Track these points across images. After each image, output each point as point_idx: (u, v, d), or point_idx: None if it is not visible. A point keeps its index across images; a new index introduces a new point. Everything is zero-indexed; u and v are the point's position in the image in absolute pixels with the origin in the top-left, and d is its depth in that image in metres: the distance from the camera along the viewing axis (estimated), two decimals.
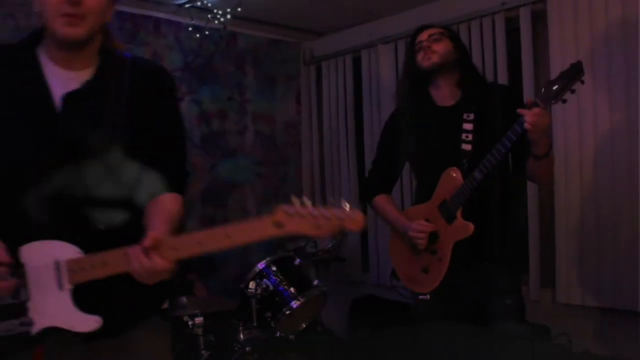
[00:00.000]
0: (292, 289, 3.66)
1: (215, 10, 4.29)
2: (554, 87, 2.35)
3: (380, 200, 3.04)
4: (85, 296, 1.69)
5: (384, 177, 3.09)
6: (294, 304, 3.60)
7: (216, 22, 4.32)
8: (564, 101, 2.38)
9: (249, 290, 3.58)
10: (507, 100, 2.66)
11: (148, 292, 1.74)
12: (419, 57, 2.80)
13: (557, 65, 3.84)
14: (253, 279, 3.65)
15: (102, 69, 1.80)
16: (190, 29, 4.47)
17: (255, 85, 5.24)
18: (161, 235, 1.63)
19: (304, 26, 5.33)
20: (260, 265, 3.72)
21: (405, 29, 4.72)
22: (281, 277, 3.70)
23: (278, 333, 3.63)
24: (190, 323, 3.32)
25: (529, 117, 2.36)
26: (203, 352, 3.40)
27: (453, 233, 2.69)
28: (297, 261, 3.87)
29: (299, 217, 1.53)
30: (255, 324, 3.58)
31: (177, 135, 1.96)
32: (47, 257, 1.69)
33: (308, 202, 1.55)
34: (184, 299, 3.54)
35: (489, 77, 3.94)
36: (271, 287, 3.65)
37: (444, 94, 2.84)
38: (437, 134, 2.81)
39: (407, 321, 4.46)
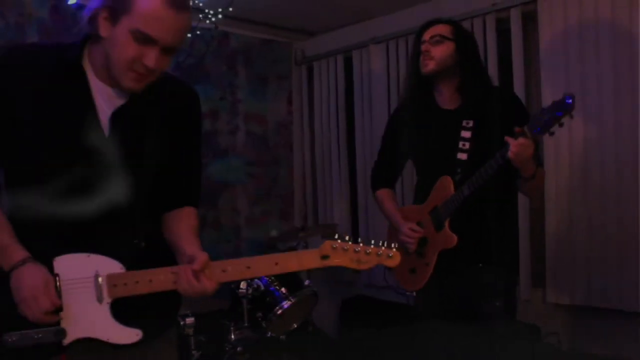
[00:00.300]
0: (283, 289, 3.67)
1: (206, 10, 4.27)
2: (544, 118, 2.32)
3: (382, 194, 3.10)
4: (124, 309, 1.73)
5: (387, 170, 3.14)
6: (285, 304, 3.60)
7: (208, 21, 4.30)
8: (552, 134, 2.36)
9: (240, 290, 3.58)
10: (509, 109, 2.67)
11: (170, 302, 1.86)
12: (420, 60, 2.78)
13: (547, 66, 3.88)
14: (244, 279, 3.65)
15: (136, 94, 1.78)
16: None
17: (246, 85, 5.24)
18: (208, 258, 1.71)
19: (296, 26, 5.33)
20: None
21: (396, 30, 4.75)
22: (272, 277, 3.70)
23: (269, 333, 3.63)
24: (181, 323, 3.32)
25: (513, 147, 2.38)
26: (194, 352, 3.40)
27: (439, 241, 2.75)
28: None
29: (343, 252, 1.73)
30: (246, 324, 3.58)
31: (198, 151, 2.03)
32: (86, 270, 1.72)
33: (351, 240, 1.75)
34: None
35: None
36: (262, 287, 3.66)
37: (445, 98, 2.84)
38: (436, 137, 2.82)
39: (397, 321, 4.49)
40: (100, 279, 1.71)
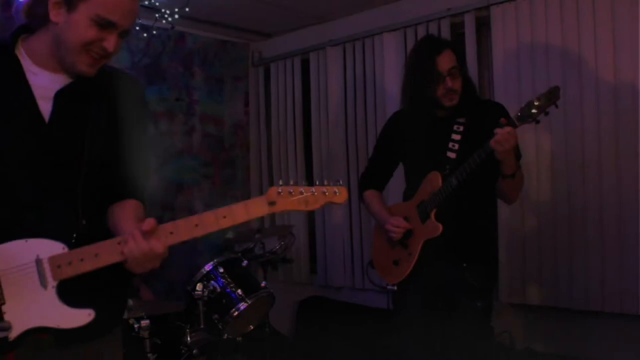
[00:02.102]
0: (239, 291, 3.66)
1: (163, 10, 4.23)
2: (530, 109, 2.50)
3: (369, 195, 3.23)
4: (71, 291, 1.67)
5: (376, 174, 3.27)
6: (242, 305, 3.59)
7: (164, 21, 4.26)
8: (537, 122, 2.53)
9: (196, 292, 3.56)
10: (497, 116, 2.73)
11: (119, 297, 1.85)
12: (439, 91, 2.82)
13: (500, 69, 3.97)
14: (200, 280, 3.63)
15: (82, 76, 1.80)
16: (137, 28, 4.40)
17: (203, 85, 5.21)
18: (156, 221, 1.67)
19: (253, 27, 5.32)
20: (208, 267, 3.70)
21: (353, 32, 4.78)
22: (228, 279, 3.69)
23: (226, 335, 3.62)
24: (136, 326, 3.27)
25: (498, 135, 2.52)
26: (149, 355, 3.36)
27: (425, 231, 2.86)
28: (245, 263, 3.86)
29: (289, 195, 1.73)
30: (202, 326, 3.56)
31: (143, 141, 1.99)
32: (25, 256, 1.66)
33: (296, 184, 1.75)
34: (129, 302, 3.49)
35: None
36: (218, 289, 3.64)
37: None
38: (429, 140, 2.94)
39: (353, 321, 4.53)
40: (42, 262, 1.65)
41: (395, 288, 3.01)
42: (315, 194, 1.74)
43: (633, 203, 3.49)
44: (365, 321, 4.47)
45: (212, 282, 3.65)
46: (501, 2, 3.97)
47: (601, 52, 3.59)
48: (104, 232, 1.77)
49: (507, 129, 2.52)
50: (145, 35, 4.51)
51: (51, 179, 1.73)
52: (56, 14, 1.69)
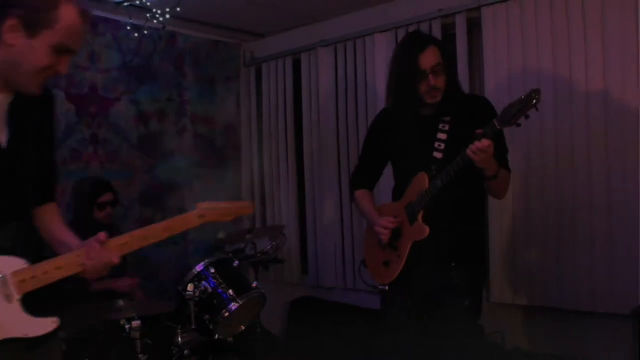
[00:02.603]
0: (230, 291, 3.64)
1: (154, 10, 4.22)
2: (510, 112, 2.50)
3: (360, 194, 3.23)
4: (35, 303, 1.78)
5: (366, 173, 3.27)
6: (233, 306, 3.59)
7: (155, 21, 4.25)
8: (518, 125, 2.52)
9: (187, 292, 3.54)
10: (482, 113, 2.79)
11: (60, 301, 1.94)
12: (422, 89, 2.83)
13: (491, 70, 3.99)
14: (191, 281, 3.62)
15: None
16: (128, 27, 4.39)
17: (194, 85, 5.21)
18: (107, 235, 1.89)
19: (244, 27, 5.32)
20: (199, 267, 3.69)
21: (345, 33, 4.79)
22: (220, 279, 3.68)
23: (217, 335, 3.61)
24: (127, 327, 3.26)
25: (473, 146, 2.54)
26: (140, 355, 3.35)
27: (412, 233, 2.86)
28: (236, 263, 3.85)
29: (214, 210, 2.13)
30: (193, 327, 3.55)
31: (54, 146, 2.11)
32: None
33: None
34: (120, 302, 3.48)
35: None
36: (210, 290, 3.63)
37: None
38: (415, 140, 2.94)
39: (344, 321, 4.53)
40: (5, 278, 1.73)
41: (387, 288, 3.01)
42: (230, 208, 2.21)
43: (622, 204, 3.51)
44: (356, 321, 4.47)
45: (203, 282, 3.64)
46: (492, 3, 3.99)
47: (591, 53, 3.61)
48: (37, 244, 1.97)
49: (483, 142, 2.52)
50: (136, 35, 4.50)
51: (5, 198, 1.81)
52: (14, 37, 1.71)
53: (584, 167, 3.64)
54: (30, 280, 1.76)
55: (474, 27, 4.21)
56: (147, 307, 3.67)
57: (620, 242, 3.53)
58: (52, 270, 1.79)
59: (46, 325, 1.81)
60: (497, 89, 3.95)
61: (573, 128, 3.68)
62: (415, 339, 2.87)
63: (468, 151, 2.56)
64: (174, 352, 3.50)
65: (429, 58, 2.80)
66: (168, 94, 5.01)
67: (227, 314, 3.57)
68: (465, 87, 4.04)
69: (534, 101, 2.47)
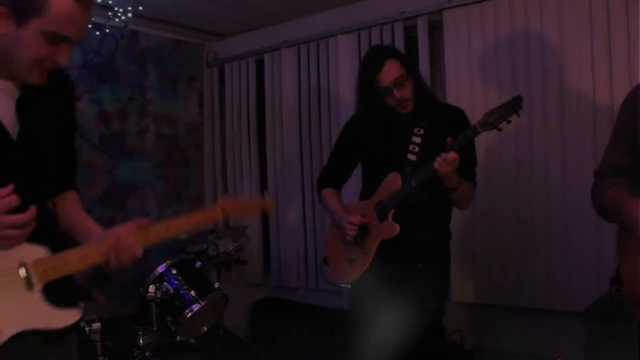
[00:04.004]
0: (192, 292, 3.64)
1: (116, 8, 4.18)
2: (493, 116, 2.54)
3: (327, 193, 3.23)
4: (57, 293, 1.72)
5: (336, 173, 3.27)
6: (195, 307, 3.58)
7: (117, 19, 4.21)
8: (499, 129, 2.57)
9: (149, 294, 3.52)
10: (458, 124, 2.83)
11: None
12: (390, 102, 2.87)
13: (452, 73, 4.05)
14: (153, 282, 3.60)
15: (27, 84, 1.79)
16: (90, 26, 4.32)
17: (157, 85, 5.16)
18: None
19: (208, 27, 5.30)
20: (160, 268, 3.67)
21: (308, 34, 4.80)
22: (182, 280, 3.67)
23: (179, 337, 3.60)
24: (87, 329, 3.22)
25: (440, 159, 2.59)
26: (101, 358, 3.31)
27: (381, 231, 2.87)
28: (198, 264, 3.84)
29: (236, 204, 2.11)
30: (155, 329, 3.53)
31: (74, 134, 2.05)
32: (9, 261, 1.65)
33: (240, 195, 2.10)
34: (80, 304, 3.44)
35: None
36: (171, 291, 3.61)
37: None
38: (390, 141, 2.96)
39: (307, 321, 4.54)
40: (27, 267, 1.67)
41: (349, 286, 3.03)
42: (254, 202, 2.21)
43: (578, 204, 3.58)
44: (319, 321, 4.49)
45: (165, 283, 3.63)
46: (453, 7, 4.05)
47: (548, 55, 3.69)
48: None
49: (451, 154, 2.57)
50: (97, 33, 4.45)
51: (26, 186, 1.71)
52: (4, 25, 1.63)
53: (541, 169, 3.72)
54: (53, 269, 1.69)
55: (436, 30, 4.26)
56: (107, 308, 3.64)
57: (576, 242, 3.61)
58: (75, 259, 1.74)
59: (69, 317, 1.76)
60: (458, 91, 4.02)
61: (532, 128, 3.75)
62: (380, 337, 2.86)
63: (435, 163, 2.59)
64: (135, 354, 3.48)
65: (388, 74, 2.82)
66: (130, 94, 4.96)
67: (189, 315, 3.56)
68: None
69: (517, 108, 2.52)
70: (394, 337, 2.82)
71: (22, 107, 1.75)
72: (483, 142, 3.86)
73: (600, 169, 2.34)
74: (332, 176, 3.27)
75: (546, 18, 3.70)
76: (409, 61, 2.96)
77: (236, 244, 4.23)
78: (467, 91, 3.97)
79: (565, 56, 3.64)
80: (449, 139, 2.60)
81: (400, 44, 4.29)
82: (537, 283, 3.74)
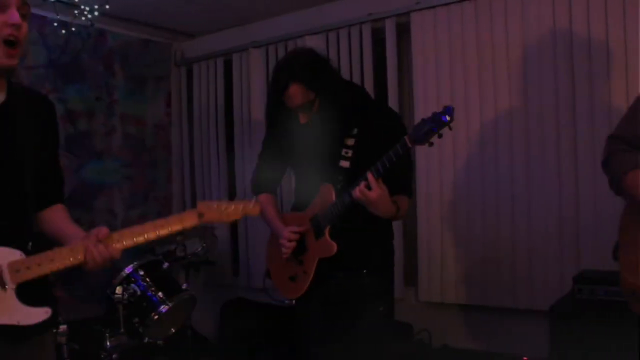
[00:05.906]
0: (160, 294, 3.62)
1: (82, 6, 4.12)
2: (424, 129, 2.29)
3: (263, 198, 3.00)
4: (29, 293, 1.82)
5: (267, 175, 3.05)
6: (163, 308, 3.56)
7: (83, 18, 4.15)
8: (431, 144, 2.34)
9: (116, 295, 3.50)
10: (392, 129, 2.64)
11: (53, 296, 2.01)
12: (303, 120, 2.72)
13: (419, 74, 4.09)
14: (120, 284, 3.58)
15: (12, 92, 1.92)
16: (55, 24, 4.28)
17: (124, 85, 5.11)
18: (108, 230, 1.91)
19: (176, 27, 5.27)
20: (128, 269, 3.65)
21: (277, 34, 4.80)
22: (149, 281, 3.65)
23: (146, 339, 3.58)
24: (53, 331, 3.19)
25: (357, 191, 2.43)
26: None
27: (319, 249, 2.71)
28: (166, 265, 3.83)
29: (215, 209, 2.04)
30: (122, 330, 3.51)
31: (57, 152, 2.16)
32: None
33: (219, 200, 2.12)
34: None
35: (357, 83, 4.07)
36: (139, 292, 3.59)
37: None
38: (319, 148, 2.75)
39: (277, 322, 4.54)
40: (1, 268, 1.78)
41: (294, 303, 2.87)
42: (235, 208, 2.08)
43: (541, 202, 3.66)
44: (288, 322, 4.48)
45: (132, 285, 3.61)
46: (421, 9, 4.09)
47: (514, 57, 3.75)
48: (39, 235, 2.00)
49: (372, 193, 2.40)
50: (63, 32, 4.38)
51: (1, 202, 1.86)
52: None
53: (506, 168, 3.78)
54: (25, 270, 1.79)
55: (404, 32, 4.29)
56: (73, 310, 3.60)
57: (540, 242, 3.67)
58: (46, 262, 1.82)
59: (39, 315, 1.85)
60: (425, 92, 4.06)
61: (497, 127, 3.81)
62: (332, 348, 2.72)
63: (354, 192, 2.44)
64: (102, 356, 3.46)
65: (290, 101, 2.68)
66: (97, 93, 4.90)
67: (156, 316, 3.54)
68: (394, 90, 4.16)
69: (449, 119, 2.26)
70: (347, 345, 2.70)
71: (4, 123, 1.86)
72: (449, 145, 3.92)
73: (616, 135, 2.32)
74: (264, 179, 3.05)
75: (510, 16, 3.76)
76: (315, 77, 2.67)
77: (204, 245, 4.21)
78: (435, 93, 4.01)
79: (533, 55, 3.70)
80: (370, 173, 2.40)
81: (368, 46, 4.33)
82: (503, 282, 3.79)
